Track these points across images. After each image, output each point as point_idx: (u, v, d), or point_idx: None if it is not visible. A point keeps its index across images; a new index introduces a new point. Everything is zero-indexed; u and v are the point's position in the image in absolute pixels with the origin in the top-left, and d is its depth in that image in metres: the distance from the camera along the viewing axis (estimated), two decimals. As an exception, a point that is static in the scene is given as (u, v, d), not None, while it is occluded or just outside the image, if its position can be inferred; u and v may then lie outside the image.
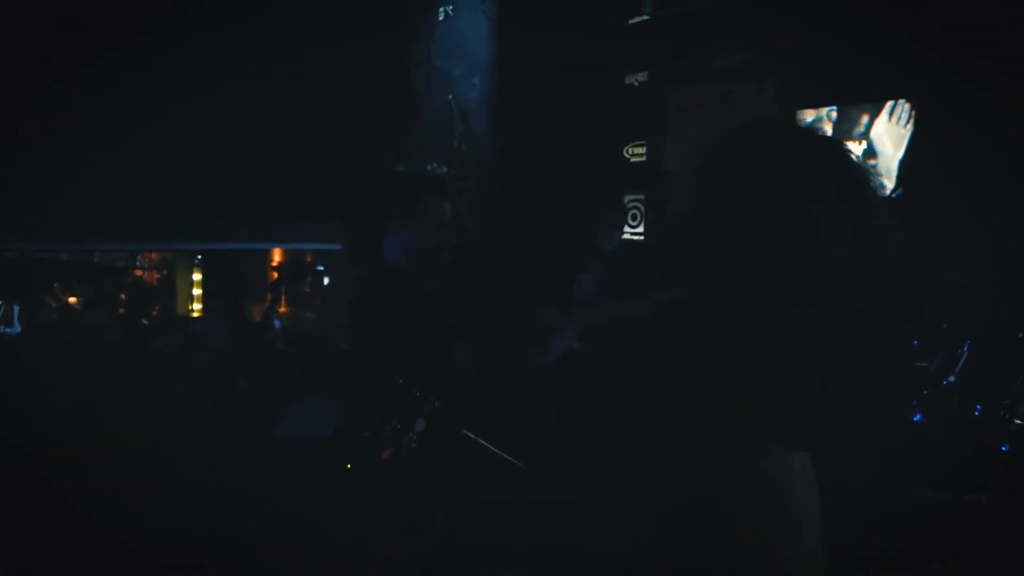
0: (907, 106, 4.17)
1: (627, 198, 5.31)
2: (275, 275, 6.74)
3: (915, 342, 2.42)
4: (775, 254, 1.06)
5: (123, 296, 6.64)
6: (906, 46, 3.96)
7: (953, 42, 3.76)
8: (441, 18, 6.41)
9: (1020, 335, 2.25)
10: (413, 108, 6.34)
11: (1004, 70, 3.61)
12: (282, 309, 6.60)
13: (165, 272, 7.73)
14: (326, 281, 7.37)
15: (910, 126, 4.16)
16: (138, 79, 5.28)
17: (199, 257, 7.40)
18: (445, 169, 6.22)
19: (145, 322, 6.33)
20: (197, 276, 7.54)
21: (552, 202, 5.17)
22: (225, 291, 6.83)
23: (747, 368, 1.07)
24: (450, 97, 6.27)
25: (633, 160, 5.39)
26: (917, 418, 2.51)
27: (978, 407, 2.25)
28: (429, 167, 6.29)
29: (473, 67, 6.59)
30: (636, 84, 5.50)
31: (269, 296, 6.14)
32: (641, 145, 5.33)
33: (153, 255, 7.65)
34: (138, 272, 7.40)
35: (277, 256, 7.44)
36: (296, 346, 5.66)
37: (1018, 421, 2.18)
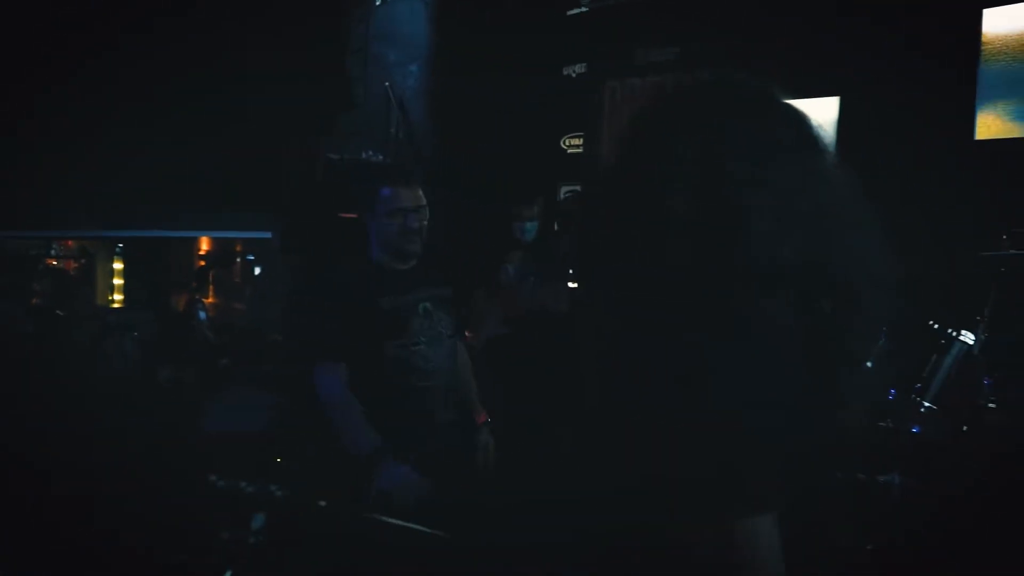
0: (834, 103, 4.34)
1: (564, 189, 5.35)
2: (201, 263, 6.50)
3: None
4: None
5: (36, 286, 6.28)
6: (834, 45, 4.11)
7: (880, 42, 3.93)
8: (378, 3, 6.28)
9: (930, 323, 2.36)
10: (348, 94, 6.21)
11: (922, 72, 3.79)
12: (208, 299, 6.38)
13: (83, 261, 7.36)
14: (257, 271, 7.16)
15: (834, 124, 4.32)
16: (52, 60, 4.99)
17: (120, 245, 7.08)
18: (381, 157, 6.12)
19: (60, 312, 6.01)
20: (118, 265, 7.21)
21: (485, 192, 5.17)
22: (148, 281, 6.55)
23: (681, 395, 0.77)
24: (387, 84, 6.17)
25: (570, 151, 5.43)
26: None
27: (892, 391, 2.35)
28: (365, 154, 6.18)
29: (410, 54, 6.50)
30: (574, 76, 5.53)
31: (194, 285, 5.92)
32: (578, 136, 5.38)
33: (70, 243, 7.28)
34: (51, 261, 7.02)
35: (205, 245, 7.18)
36: (224, 337, 5.47)
37: (927, 404, 2.29)
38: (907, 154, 3.77)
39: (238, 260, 6.54)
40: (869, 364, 2.46)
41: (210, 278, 6.28)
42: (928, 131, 3.75)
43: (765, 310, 0.79)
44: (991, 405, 2.22)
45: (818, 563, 1.04)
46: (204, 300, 5.82)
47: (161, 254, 6.67)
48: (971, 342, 2.35)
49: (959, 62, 3.81)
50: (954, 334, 2.30)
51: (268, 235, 5.86)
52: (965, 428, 2.24)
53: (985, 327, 2.30)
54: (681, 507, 0.73)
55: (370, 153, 6.20)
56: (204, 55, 5.22)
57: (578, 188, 5.35)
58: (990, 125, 3.76)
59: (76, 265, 7.36)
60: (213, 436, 3.80)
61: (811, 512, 0.99)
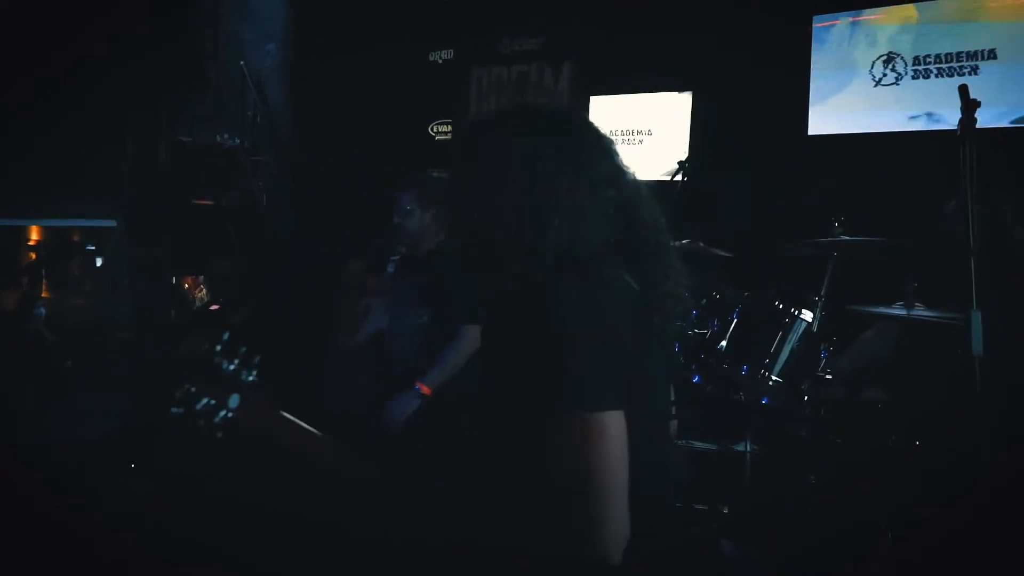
0: (687, 97, 4.61)
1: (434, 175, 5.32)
2: (32, 256, 5.86)
3: (693, 312, 2.70)
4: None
5: None
6: (688, 41, 4.36)
7: (729, 38, 4.21)
8: (230, -24, 5.91)
9: (776, 304, 2.59)
10: (199, 74, 5.80)
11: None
12: (44, 294, 5.77)
13: None
14: (99, 262, 6.56)
15: (688, 116, 4.60)
16: None
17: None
18: (238, 141, 5.79)
19: None
20: (-73, 258, 6.36)
21: (351, 181, 5.03)
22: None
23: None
24: (242, 63, 5.82)
25: (438, 138, 5.40)
26: (696, 379, 2.79)
27: (744, 367, 2.56)
28: (219, 138, 5.81)
29: (267, 32, 6.16)
30: (440, 62, 5.49)
31: (26, 281, 5.33)
32: (446, 123, 5.36)
33: None
34: None
35: (35, 234, 6.48)
36: (63, 335, 4.99)
37: (775, 378, 2.53)
38: (751, 147, 4.09)
39: (79, 252, 5.96)
40: (723, 344, 2.67)
41: (43, 272, 5.68)
42: (767, 126, 4.08)
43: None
44: (828, 376, 2.50)
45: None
46: (40, 295, 5.27)
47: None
48: (809, 319, 2.62)
49: (793, 62, 4.17)
50: (796, 313, 2.55)
51: (112, 223, 5.39)
52: (806, 398, 2.49)
53: (822, 306, 2.56)
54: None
55: (225, 136, 5.85)
56: (43, 24, 4.69)
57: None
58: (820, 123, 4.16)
59: None
60: (59, 447, 3.47)
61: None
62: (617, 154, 1.17)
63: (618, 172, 1.14)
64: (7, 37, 4.67)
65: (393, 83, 5.28)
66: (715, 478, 2.90)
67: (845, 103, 4.08)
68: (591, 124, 1.18)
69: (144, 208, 5.40)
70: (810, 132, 4.14)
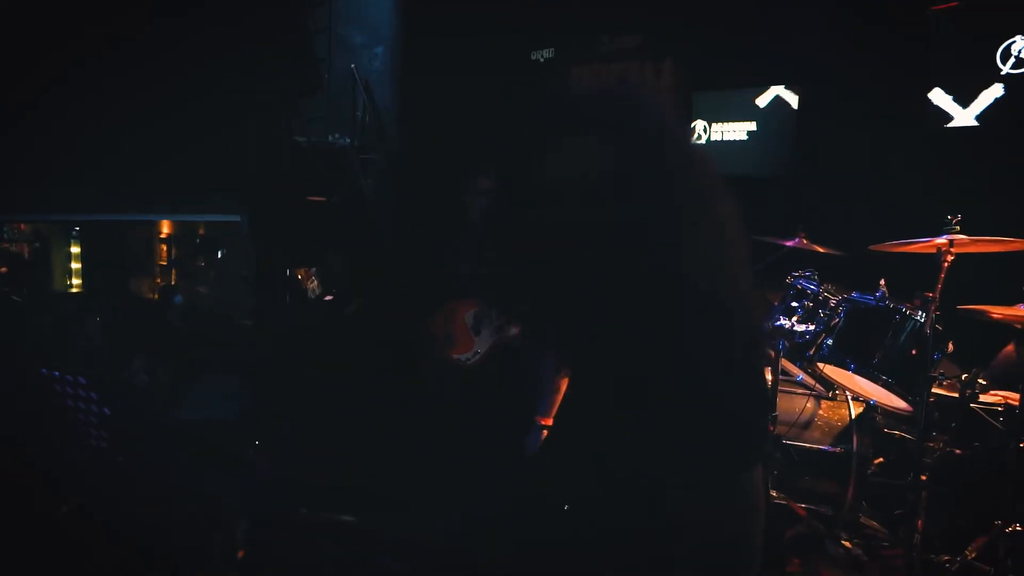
0: (792, 92, 4.51)
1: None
2: (164, 248, 6.40)
3: (798, 309, 2.68)
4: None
5: (-10, 271, 6.11)
6: (791, 35, 4.27)
7: (833, 32, 4.10)
8: (342, -16, 6.23)
9: (887, 303, 2.55)
10: (313, 76, 6.15)
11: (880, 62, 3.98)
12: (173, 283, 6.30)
13: (38, 245, 7.16)
14: (219, 254, 7.08)
15: (795, 112, 4.50)
16: (7, 42, 4.83)
17: (77, 228, 6.92)
18: (348, 140, 6.11)
19: (16, 299, 5.86)
20: (76, 249, 7.05)
21: (452, 180, 5.19)
22: (109, 265, 6.42)
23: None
24: (352, 66, 6.13)
25: (538, 136, 5.50)
26: (799, 379, 2.78)
27: (852, 365, 2.53)
28: (331, 138, 6.15)
29: (376, 36, 6.46)
30: (542, 60, 5.59)
31: (174, 272, 5.82)
32: (545, 121, 5.45)
33: (23, 226, 7.07)
34: (5, 244, 6.82)
35: (166, 228, 7.06)
36: (193, 323, 5.43)
37: (884, 378, 2.49)
38: (861, 142, 3.97)
39: (215, 245, 6.46)
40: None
41: (179, 263, 6.20)
42: (878, 121, 3.94)
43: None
44: (941, 378, 2.44)
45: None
46: (176, 285, 5.76)
47: (120, 238, 6.53)
48: (921, 319, 2.55)
49: (909, 52, 4.00)
50: (907, 312, 2.49)
51: (236, 218, 5.81)
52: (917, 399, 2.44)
53: (935, 306, 2.50)
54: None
55: (336, 136, 6.18)
56: (167, 36, 5.12)
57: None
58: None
59: (30, 249, 7.18)
60: (187, 425, 3.80)
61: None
62: None
63: None
64: (142, 44, 5.10)
65: (496, 82, 5.43)
66: (822, 477, 2.87)
67: (966, 94, 3.89)
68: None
69: (264, 204, 5.79)
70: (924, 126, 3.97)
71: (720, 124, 4.77)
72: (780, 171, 4.38)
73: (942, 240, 2.29)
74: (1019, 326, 2.28)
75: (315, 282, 5.69)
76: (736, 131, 4.72)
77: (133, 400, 4.21)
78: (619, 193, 1.06)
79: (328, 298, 5.29)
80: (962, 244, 2.29)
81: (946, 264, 2.29)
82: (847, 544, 2.71)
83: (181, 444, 3.50)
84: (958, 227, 2.29)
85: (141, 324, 5.27)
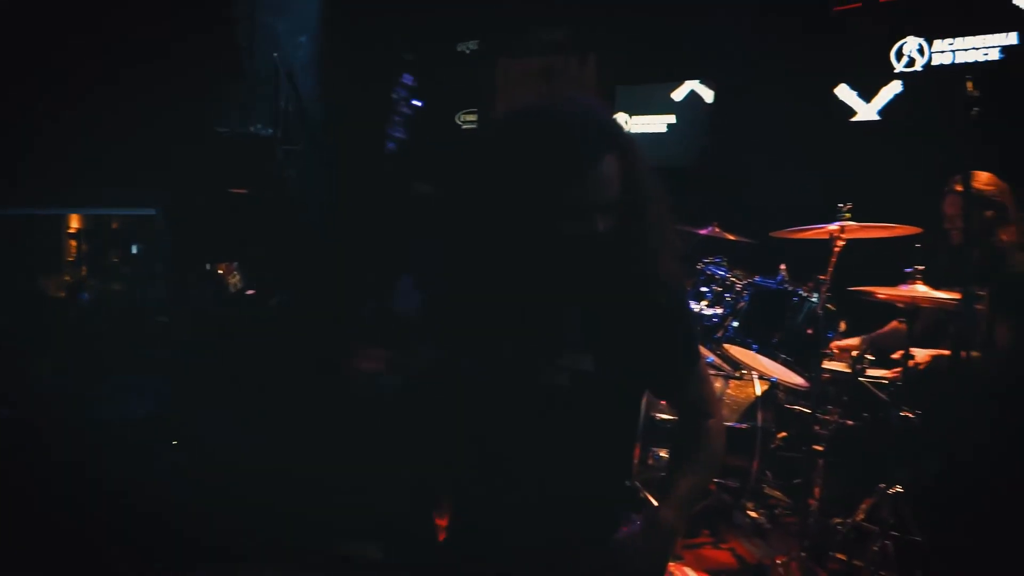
0: (706, 87, 4.68)
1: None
2: (73, 244, 6.12)
3: (708, 294, 2.81)
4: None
5: None
6: (705, 32, 4.43)
7: (745, 29, 4.27)
8: (264, -29, 6.08)
9: (785, 286, 2.71)
10: (235, 66, 5.99)
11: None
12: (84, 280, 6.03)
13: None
14: (134, 249, 6.81)
15: (710, 105, 4.67)
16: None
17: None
18: (271, 131, 5.98)
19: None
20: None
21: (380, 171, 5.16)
22: (12, 262, 6.09)
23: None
24: (275, 55, 6.00)
25: (464, 127, 5.53)
26: (710, 360, 2.91)
27: (754, 346, 2.68)
28: (253, 128, 6.01)
29: (300, 25, 6.34)
30: (467, 52, 5.61)
31: (84, 268, 5.57)
32: (472, 112, 5.48)
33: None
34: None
35: (75, 222, 6.75)
36: (103, 320, 5.23)
37: (782, 356, 2.65)
38: (770, 136, 4.16)
39: (119, 240, 6.20)
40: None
41: (84, 260, 5.93)
42: (787, 114, 4.14)
43: None
44: (834, 355, 2.61)
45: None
46: (83, 282, 5.51)
47: (25, 233, 6.21)
48: (815, 301, 2.72)
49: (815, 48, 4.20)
50: (804, 295, 2.65)
51: (152, 211, 5.61)
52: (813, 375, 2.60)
53: (826, 288, 2.66)
54: None
55: (259, 127, 6.04)
56: (77, 22, 4.90)
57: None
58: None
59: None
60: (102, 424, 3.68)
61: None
62: None
63: None
64: (48, 29, 4.88)
65: (422, 73, 5.41)
66: (729, 452, 3.01)
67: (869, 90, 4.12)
68: None
69: (183, 197, 5.61)
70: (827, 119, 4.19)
71: (641, 117, 4.91)
72: (696, 162, 4.54)
73: (834, 227, 2.45)
74: (901, 305, 2.45)
75: (237, 276, 5.56)
76: (656, 124, 4.86)
77: (41, 400, 4.04)
78: (634, 215, 1.16)
79: (250, 292, 5.18)
80: (852, 230, 2.45)
81: (837, 249, 2.44)
82: (753, 514, 2.87)
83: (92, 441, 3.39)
84: (848, 214, 2.45)
85: (46, 322, 5.04)
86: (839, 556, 2.55)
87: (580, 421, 1.20)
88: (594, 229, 1.11)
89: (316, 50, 6.27)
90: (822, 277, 2.44)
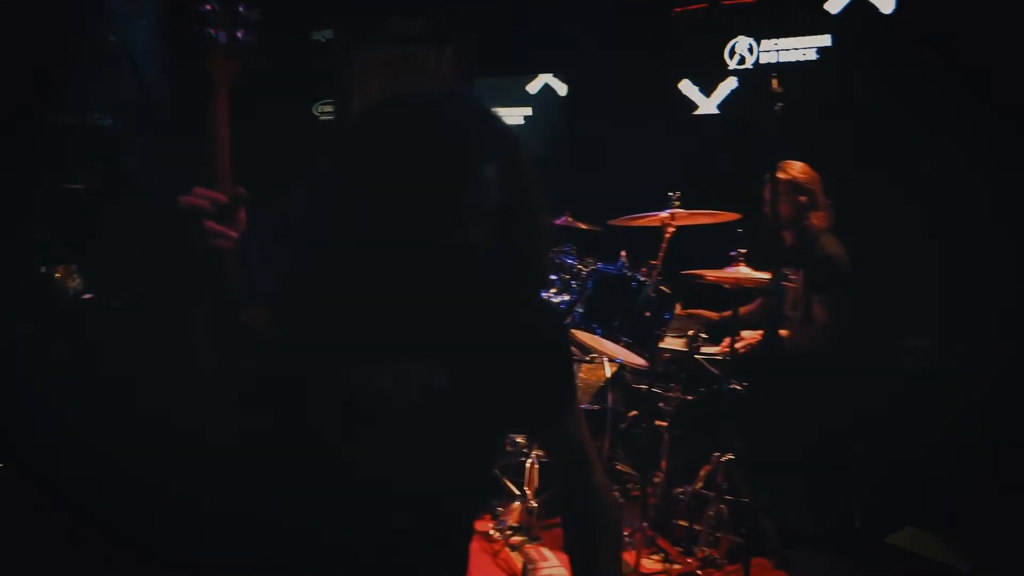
0: (560, 80, 4.83)
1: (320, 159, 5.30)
2: None
3: (556, 281, 2.92)
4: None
5: None
6: (558, 27, 4.56)
7: (595, 25, 4.44)
8: (96, -53, 5.62)
9: (624, 272, 2.87)
10: (68, 49, 5.50)
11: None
12: None
13: None
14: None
15: (564, 97, 4.82)
16: None
17: None
18: (111, 121, 5.56)
19: None
20: None
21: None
22: None
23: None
24: (112, 38, 5.57)
25: (322, 118, 5.39)
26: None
27: (598, 330, 2.81)
28: (91, 118, 5.56)
29: (141, 8, 5.92)
30: (323, 41, 5.45)
31: None
32: (329, 103, 5.35)
33: None
34: None
35: None
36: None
37: (623, 339, 2.80)
38: (618, 126, 4.35)
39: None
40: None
41: None
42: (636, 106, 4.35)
43: None
44: (669, 336, 2.81)
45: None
46: None
47: None
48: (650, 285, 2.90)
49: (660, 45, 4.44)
50: (641, 279, 2.81)
51: (-28, 210, 5.07)
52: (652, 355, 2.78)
53: (659, 272, 2.84)
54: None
55: (97, 116, 5.60)
56: None
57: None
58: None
59: None
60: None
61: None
62: None
63: None
64: None
65: (275, 62, 5.21)
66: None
67: (709, 85, 4.40)
68: None
69: (9, 194, 5.12)
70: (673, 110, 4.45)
71: (499, 109, 4.97)
72: (552, 154, 4.68)
73: (665, 214, 2.61)
74: (727, 286, 2.66)
75: (76, 279, 5.15)
76: (514, 116, 4.96)
77: None
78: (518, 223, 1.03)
79: (87, 296, 4.82)
80: (682, 217, 2.62)
81: (668, 235, 2.61)
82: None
83: None
84: (678, 202, 2.62)
85: None
86: (681, 523, 2.74)
87: (433, 449, 1.07)
88: (474, 238, 0.98)
89: (161, 36, 5.88)
90: (654, 262, 2.61)
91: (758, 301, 3.16)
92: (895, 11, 3.62)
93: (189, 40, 1.38)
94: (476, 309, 1.05)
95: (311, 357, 1.06)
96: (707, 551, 2.60)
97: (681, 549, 2.71)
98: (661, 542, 2.75)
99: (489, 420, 1.11)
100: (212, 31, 1.28)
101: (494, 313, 1.07)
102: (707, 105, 4.45)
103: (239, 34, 1.30)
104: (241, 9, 1.29)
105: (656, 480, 2.82)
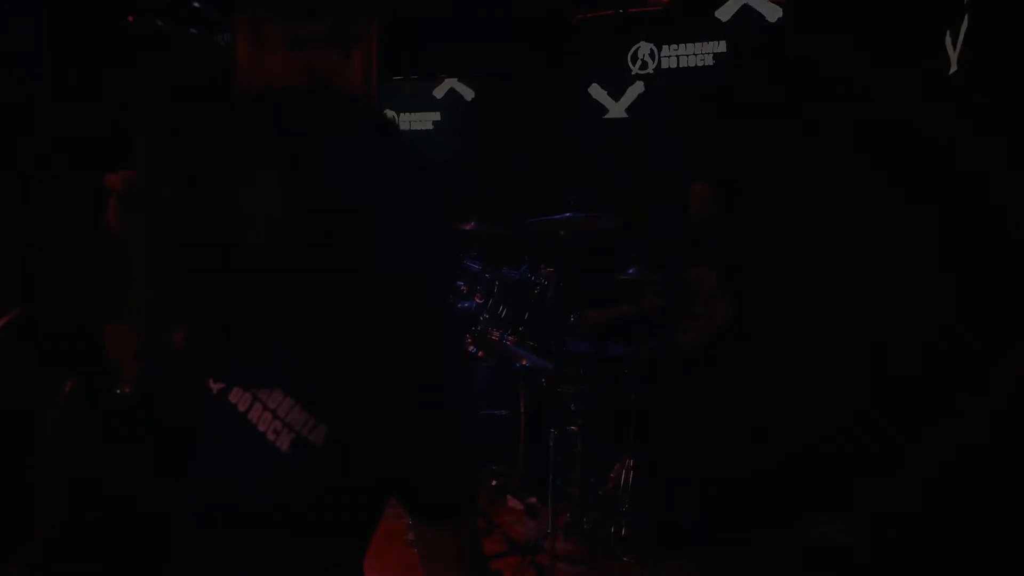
0: (466, 85, 4.80)
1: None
2: None
3: (462, 287, 2.88)
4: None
5: None
6: (464, 32, 4.54)
7: (503, 31, 4.43)
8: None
9: (528, 276, 2.86)
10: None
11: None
12: None
13: None
14: None
15: (472, 101, 4.79)
16: None
17: None
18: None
19: None
20: None
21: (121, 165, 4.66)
22: None
23: None
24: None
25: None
26: (474, 350, 2.99)
27: (505, 335, 2.79)
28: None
29: (20, 5, 5.54)
30: (223, 44, 5.25)
31: None
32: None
33: None
34: None
35: None
36: None
37: (530, 343, 2.79)
38: (525, 131, 4.37)
39: None
40: (486, 315, 2.89)
41: None
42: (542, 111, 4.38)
43: None
44: (576, 338, 2.82)
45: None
46: None
47: None
48: (553, 288, 2.90)
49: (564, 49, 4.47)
50: (544, 283, 2.81)
51: None
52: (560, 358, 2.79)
53: (559, 275, 2.84)
54: None
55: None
56: None
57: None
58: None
59: None
60: None
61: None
62: None
63: None
64: None
65: (171, 63, 4.97)
66: (496, 441, 3.13)
67: (617, 90, 4.46)
68: None
69: None
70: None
71: (408, 114, 4.92)
72: (460, 159, 4.65)
73: (562, 217, 2.62)
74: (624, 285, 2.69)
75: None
76: (423, 121, 4.90)
77: None
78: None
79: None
80: (578, 221, 2.64)
81: (566, 237, 2.62)
82: (520, 501, 3.00)
83: None
84: (574, 206, 2.63)
85: None
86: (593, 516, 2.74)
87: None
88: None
89: (42, 31, 5.52)
90: (548, 269, 2.62)
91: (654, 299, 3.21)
92: (780, 20, 3.79)
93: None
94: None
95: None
96: (619, 550, 2.62)
97: (592, 549, 2.72)
98: (573, 538, 2.75)
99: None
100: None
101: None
102: (616, 109, 4.52)
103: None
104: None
105: (573, 479, 2.83)
